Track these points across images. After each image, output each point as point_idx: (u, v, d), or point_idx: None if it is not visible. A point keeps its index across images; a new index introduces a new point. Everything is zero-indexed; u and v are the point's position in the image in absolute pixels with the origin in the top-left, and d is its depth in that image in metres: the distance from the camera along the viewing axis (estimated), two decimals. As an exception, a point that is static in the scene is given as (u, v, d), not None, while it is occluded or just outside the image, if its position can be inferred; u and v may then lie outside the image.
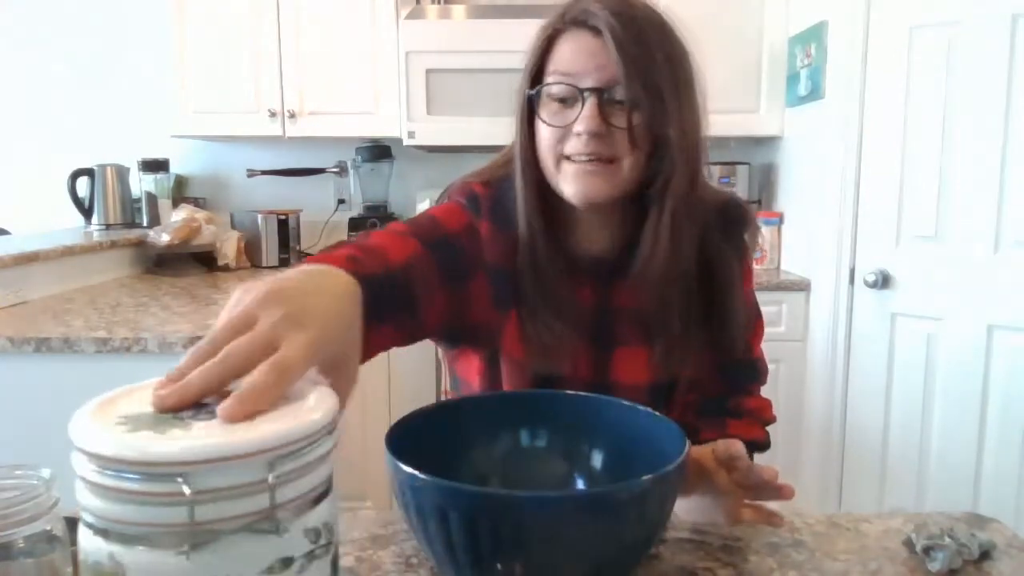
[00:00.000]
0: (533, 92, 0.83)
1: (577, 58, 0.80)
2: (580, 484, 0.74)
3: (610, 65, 0.78)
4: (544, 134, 0.82)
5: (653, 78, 0.78)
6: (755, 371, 0.99)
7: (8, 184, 3.11)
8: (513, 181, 0.88)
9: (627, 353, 0.88)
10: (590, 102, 0.78)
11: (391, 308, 0.75)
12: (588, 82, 0.79)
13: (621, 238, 0.88)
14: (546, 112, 0.82)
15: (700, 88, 0.83)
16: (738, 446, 0.74)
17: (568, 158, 0.81)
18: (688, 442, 0.62)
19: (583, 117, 0.78)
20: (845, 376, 2.30)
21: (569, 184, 0.82)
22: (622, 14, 0.78)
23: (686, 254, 0.84)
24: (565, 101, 0.81)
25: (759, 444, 0.95)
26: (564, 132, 0.81)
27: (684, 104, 0.80)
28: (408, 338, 0.81)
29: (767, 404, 0.99)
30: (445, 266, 0.82)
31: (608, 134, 0.79)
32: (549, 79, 0.81)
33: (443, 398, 2.13)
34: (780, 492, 0.75)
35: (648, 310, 0.86)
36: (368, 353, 0.73)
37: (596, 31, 0.78)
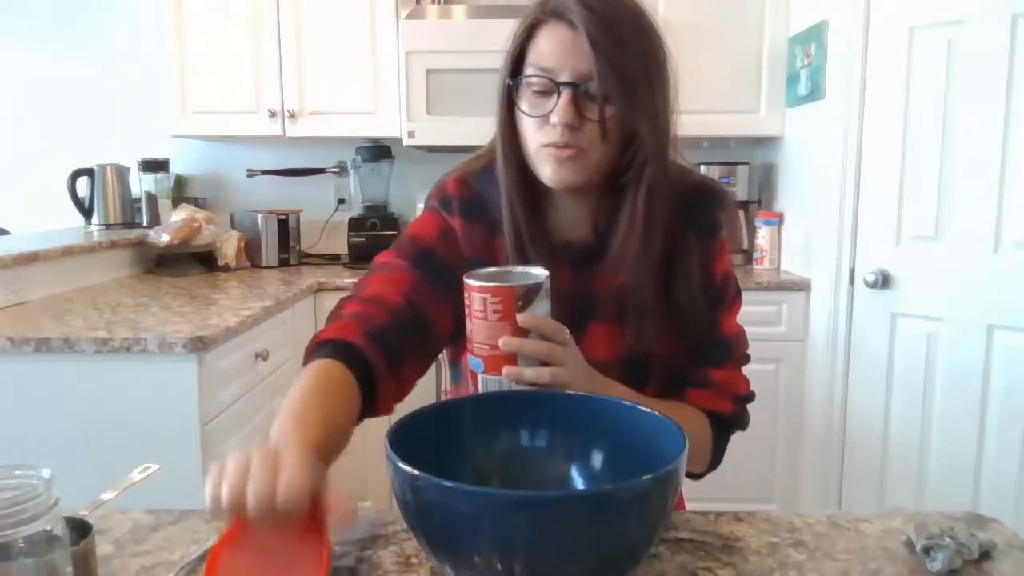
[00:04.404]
0: (512, 82, 0.86)
1: (554, 51, 0.82)
2: (580, 484, 0.74)
3: (584, 59, 0.80)
4: (526, 123, 0.86)
5: (625, 73, 0.80)
6: (725, 348, 0.96)
7: (8, 184, 3.11)
8: (489, 172, 0.92)
9: (599, 331, 0.90)
10: (565, 95, 0.81)
11: (408, 343, 0.85)
12: (564, 76, 0.81)
13: (599, 225, 0.92)
14: (526, 103, 0.85)
15: (673, 79, 0.86)
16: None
17: (545, 146, 0.85)
18: (687, 440, 0.62)
19: (558, 109, 0.81)
20: (845, 376, 2.30)
21: (545, 169, 0.86)
22: (596, 8, 0.80)
23: (658, 236, 0.87)
24: (544, 92, 0.83)
25: (726, 417, 0.93)
26: (543, 121, 0.84)
27: (657, 97, 0.84)
28: (431, 357, 0.91)
29: (740, 378, 0.96)
30: (434, 279, 0.88)
31: (581, 126, 0.82)
32: (528, 71, 0.84)
33: (443, 398, 2.12)
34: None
35: (623, 289, 0.89)
36: (404, 393, 0.86)
37: (572, 24, 0.81)
